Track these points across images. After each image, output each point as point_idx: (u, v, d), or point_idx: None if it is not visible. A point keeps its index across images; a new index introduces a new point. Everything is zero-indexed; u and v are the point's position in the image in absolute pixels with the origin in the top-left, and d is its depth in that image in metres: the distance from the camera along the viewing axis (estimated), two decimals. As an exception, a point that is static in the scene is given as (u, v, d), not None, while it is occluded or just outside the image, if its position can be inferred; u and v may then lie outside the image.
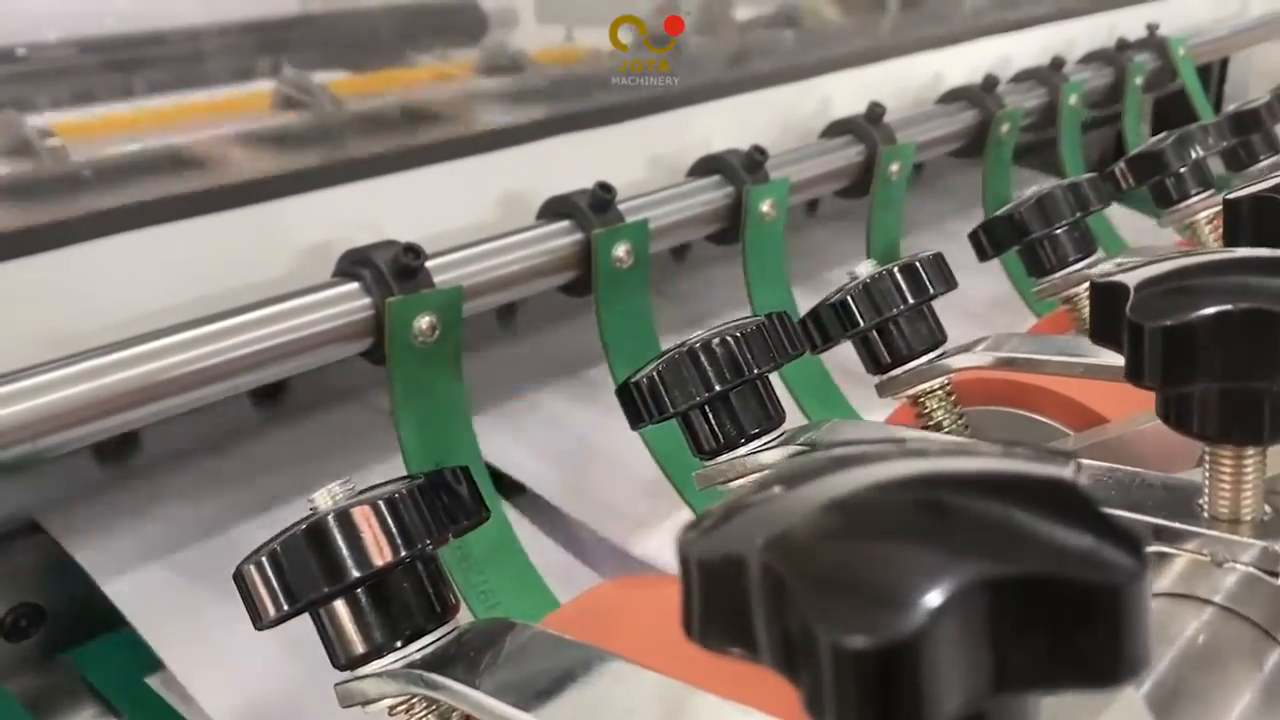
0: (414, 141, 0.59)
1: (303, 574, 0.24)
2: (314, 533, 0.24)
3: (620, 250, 0.53)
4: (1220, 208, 0.56)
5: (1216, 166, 0.61)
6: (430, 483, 0.26)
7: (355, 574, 0.24)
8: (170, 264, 0.47)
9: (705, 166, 0.61)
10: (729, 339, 0.32)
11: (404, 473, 0.40)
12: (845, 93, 0.73)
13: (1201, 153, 0.55)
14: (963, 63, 0.84)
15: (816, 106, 0.73)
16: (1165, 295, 0.23)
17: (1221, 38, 1.08)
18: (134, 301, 0.46)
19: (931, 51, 0.80)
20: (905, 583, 0.13)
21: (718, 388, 0.32)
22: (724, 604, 0.15)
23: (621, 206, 0.55)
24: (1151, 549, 0.26)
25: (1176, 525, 0.25)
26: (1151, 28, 0.96)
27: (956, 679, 0.13)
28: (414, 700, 0.26)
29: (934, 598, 0.13)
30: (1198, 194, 0.56)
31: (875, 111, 0.67)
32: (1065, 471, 0.16)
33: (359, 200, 0.53)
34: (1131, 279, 0.24)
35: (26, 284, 0.44)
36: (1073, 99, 0.81)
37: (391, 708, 0.26)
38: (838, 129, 0.69)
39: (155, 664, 0.45)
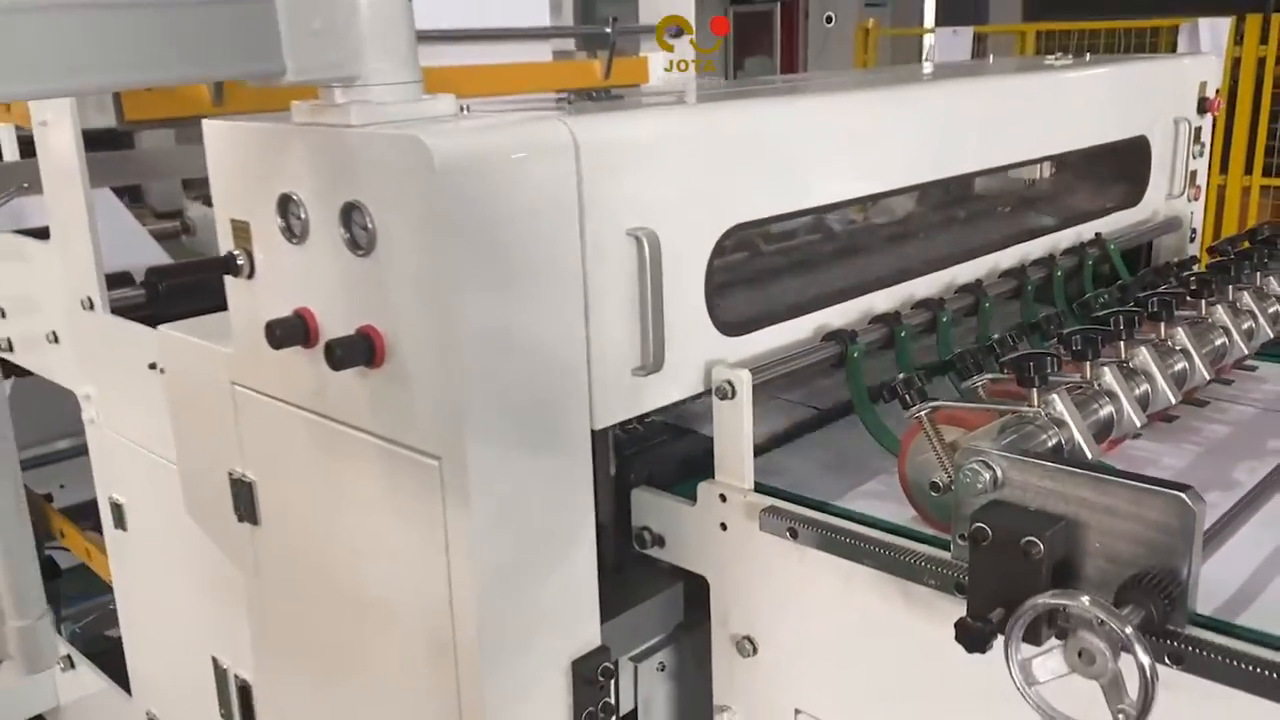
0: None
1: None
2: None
3: (856, 353, 1.48)
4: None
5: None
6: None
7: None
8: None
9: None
10: (910, 378, 1.27)
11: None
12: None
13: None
14: (1010, 257, 1.82)
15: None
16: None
17: (1141, 233, 2.07)
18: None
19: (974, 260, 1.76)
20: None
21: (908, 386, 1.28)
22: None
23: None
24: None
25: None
26: (1098, 234, 1.94)
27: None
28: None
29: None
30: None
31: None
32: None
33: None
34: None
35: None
36: (1057, 273, 1.79)
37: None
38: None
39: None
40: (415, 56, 1.17)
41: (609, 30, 2.61)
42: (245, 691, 1.84)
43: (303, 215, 1.18)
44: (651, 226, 1.19)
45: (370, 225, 1.10)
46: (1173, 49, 5.89)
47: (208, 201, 2.68)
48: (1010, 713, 1.03)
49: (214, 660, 1.89)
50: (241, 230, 1.27)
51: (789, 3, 11.02)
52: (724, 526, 1.29)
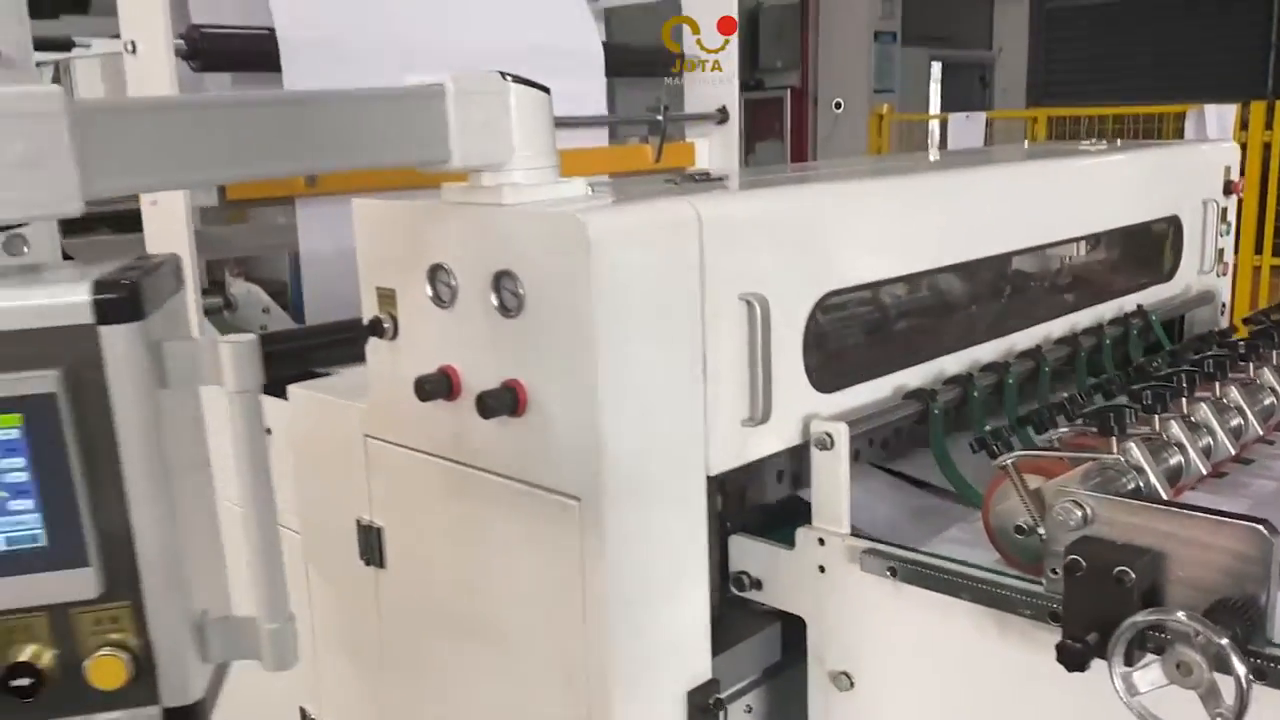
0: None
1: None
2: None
3: (936, 410, 1.61)
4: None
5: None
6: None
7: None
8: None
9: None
10: (998, 430, 1.41)
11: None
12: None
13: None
14: (1061, 326, 1.96)
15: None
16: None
17: (1175, 306, 2.21)
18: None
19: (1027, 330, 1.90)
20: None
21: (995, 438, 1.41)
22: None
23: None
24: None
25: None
26: (1140, 305, 2.09)
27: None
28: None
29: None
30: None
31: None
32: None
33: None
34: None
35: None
36: (1107, 341, 1.93)
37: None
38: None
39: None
40: (554, 144, 1.32)
41: (660, 118, 2.80)
42: (333, 739, 1.92)
43: (453, 283, 1.32)
44: (760, 292, 1.33)
45: (521, 291, 1.24)
46: (1175, 134, 6.14)
47: (249, 278, 2.83)
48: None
49: (301, 710, 1.98)
50: (387, 297, 1.41)
51: (799, 89, 11.37)
52: (822, 569, 1.40)
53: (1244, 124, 5.73)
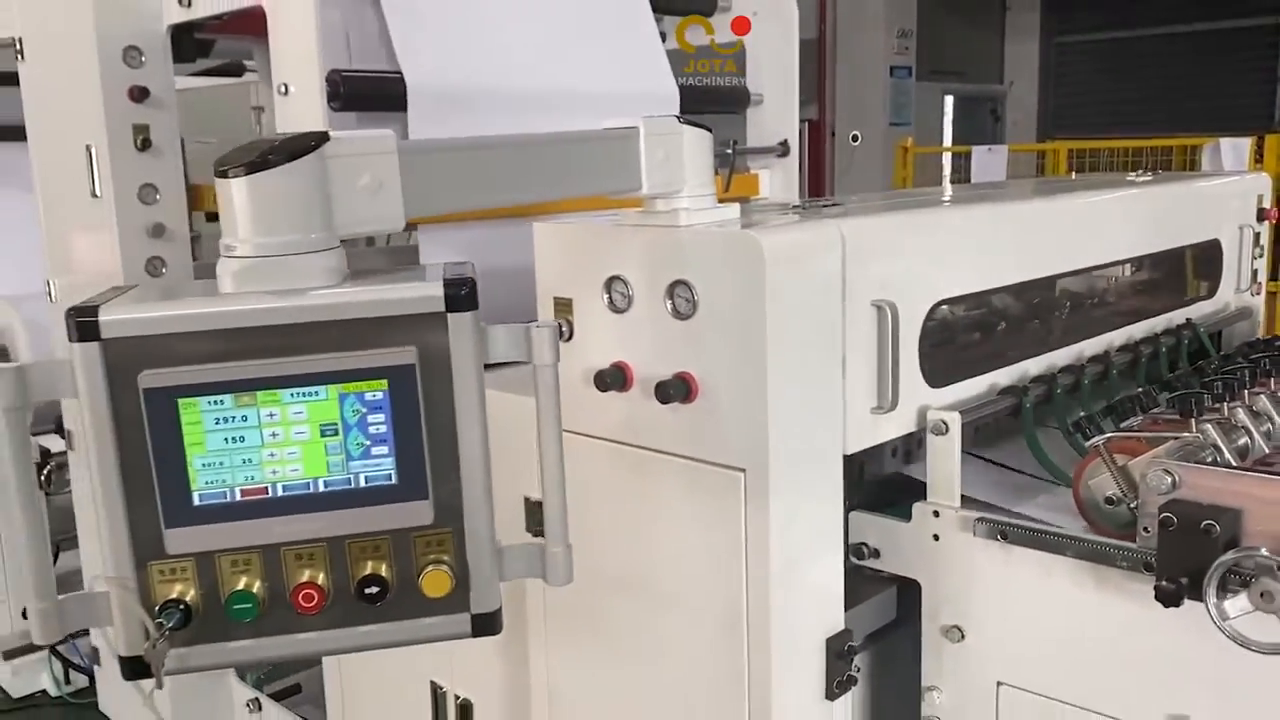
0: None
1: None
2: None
3: (1028, 404, 1.86)
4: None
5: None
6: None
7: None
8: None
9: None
10: (1091, 416, 1.65)
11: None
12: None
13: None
14: (1120, 336, 2.20)
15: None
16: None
17: (1218, 321, 2.45)
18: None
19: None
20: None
21: (1089, 422, 1.66)
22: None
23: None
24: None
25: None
26: (1189, 319, 2.33)
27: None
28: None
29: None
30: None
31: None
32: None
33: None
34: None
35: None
36: (1164, 351, 2.17)
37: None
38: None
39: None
40: (712, 175, 1.57)
41: (730, 151, 3.07)
42: (465, 710, 2.15)
43: (629, 292, 1.57)
44: (889, 299, 1.58)
45: (694, 298, 1.49)
46: (1186, 166, 6.41)
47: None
48: (1180, 668, 1.38)
49: (433, 684, 2.21)
50: (564, 305, 1.66)
51: (816, 122, 11.67)
52: (936, 537, 1.64)
53: (1258, 156, 6.00)
